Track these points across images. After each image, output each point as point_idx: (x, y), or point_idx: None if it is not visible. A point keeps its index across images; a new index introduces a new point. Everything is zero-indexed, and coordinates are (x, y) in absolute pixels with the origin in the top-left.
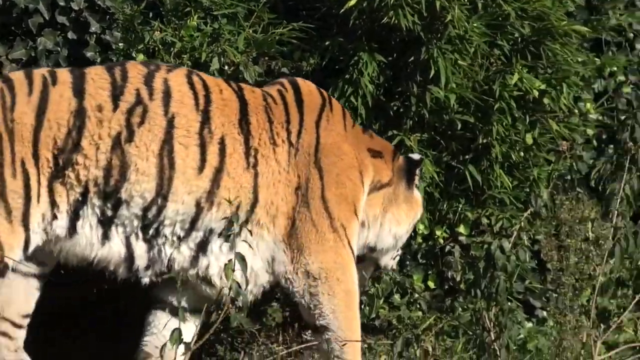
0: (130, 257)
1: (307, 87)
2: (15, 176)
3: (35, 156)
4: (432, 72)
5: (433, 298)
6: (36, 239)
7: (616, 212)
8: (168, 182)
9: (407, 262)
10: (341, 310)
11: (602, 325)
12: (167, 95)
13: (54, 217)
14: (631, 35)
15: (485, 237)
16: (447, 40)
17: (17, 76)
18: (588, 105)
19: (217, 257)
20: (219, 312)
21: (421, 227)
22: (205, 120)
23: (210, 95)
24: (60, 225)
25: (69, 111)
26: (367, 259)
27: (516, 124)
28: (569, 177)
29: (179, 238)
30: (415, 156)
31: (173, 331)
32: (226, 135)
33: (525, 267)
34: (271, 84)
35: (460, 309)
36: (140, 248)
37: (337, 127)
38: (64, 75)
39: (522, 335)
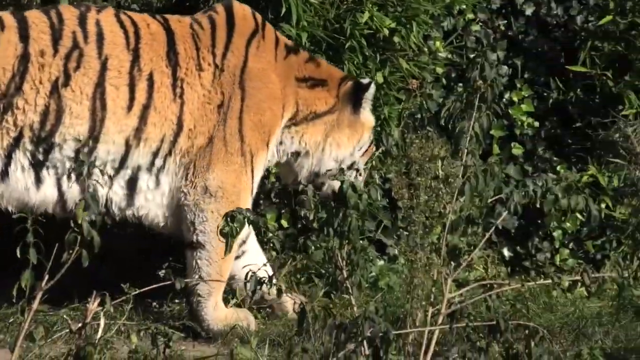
0: (62, 198)
1: (242, 11)
2: None
3: None
4: (284, 10)
5: (286, 237)
6: None
7: (466, 150)
8: (100, 124)
9: (261, 202)
10: None
11: (452, 262)
12: (100, 37)
13: None
14: None
15: (338, 175)
16: None
17: None
18: (437, 43)
19: (145, 196)
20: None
21: (274, 167)
22: (135, 58)
23: (139, 32)
24: None
25: (15, 56)
26: (316, 184)
27: (367, 63)
28: (419, 116)
29: (110, 177)
30: (364, 80)
31: None
32: (154, 70)
33: (377, 206)
34: (204, 11)
35: (313, 247)
36: (73, 190)
37: (267, 55)
38: (9, 19)
39: (374, 273)
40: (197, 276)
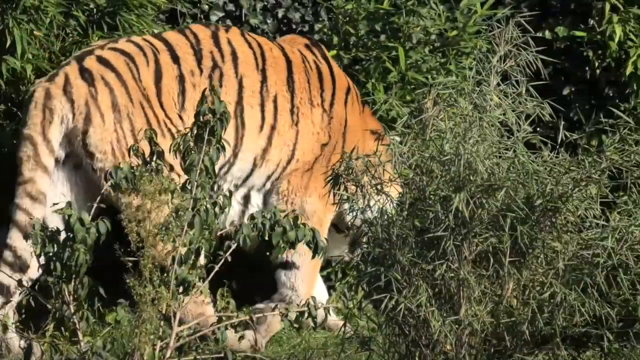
0: None
1: (337, 68)
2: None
3: (168, 118)
4: (8, 42)
5: None
6: None
7: (195, 183)
8: (240, 142)
9: None
10: (308, 254)
11: (182, 295)
12: (234, 56)
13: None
14: (206, 7)
15: (65, 209)
16: (22, 10)
17: (130, 47)
18: None
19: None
20: None
21: None
22: (264, 79)
23: (265, 54)
24: None
25: (174, 77)
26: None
27: None
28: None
29: (230, 194)
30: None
31: None
32: (278, 93)
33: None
34: (306, 46)
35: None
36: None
37: (356, 111)
38: (156, 41)
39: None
40: (290, 292)
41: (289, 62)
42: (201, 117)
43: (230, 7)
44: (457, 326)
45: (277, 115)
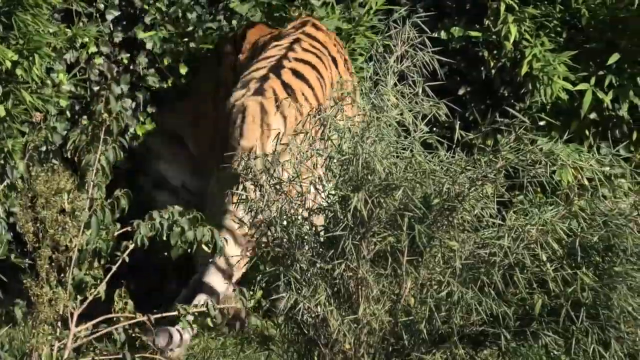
0: None
1: None
2: None
3: None
4: None
5: None
6: None
7: (92, 183)
8: None
9: None
10: None
11: (78, 297)
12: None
13: None
14: (102, 6)
15: None
16: None
17: (312, 58)
18: (61, 76)
19: None
20: None
21: None
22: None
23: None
24: None
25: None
26: None
27: None
28: (44, 149)
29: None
30: None
31: None
32: None
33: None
34: None
35: None
36: None
37: None
38: (320, 46)
39: None
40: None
41: None
42: (97, 117)
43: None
44: (355, 325)
45: None
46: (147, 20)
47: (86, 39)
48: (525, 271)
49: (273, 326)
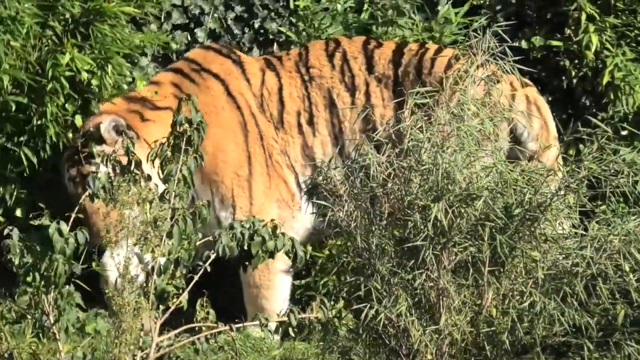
0: None
1: None
2: None
3: None
4: None
5: None
6: None
7: (174, 192)
8: None
9: None
10: None
11: (160, 306)
12: None
13: None
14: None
15: (43, 220)
16: None
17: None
18: (138, 83)
19: None
20: None
21: None
22: None
23: None
24: None
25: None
26: None
27: (66, 105)
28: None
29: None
30: None
31: None
32: None
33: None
34: None
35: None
36: None
37: None
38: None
39: (81, 318)
40: None
41: None
42: (178, 127)
43: (206, 17)
44: (437, 336)
45: None
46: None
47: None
48: (607, 281)
49: (354, 336)
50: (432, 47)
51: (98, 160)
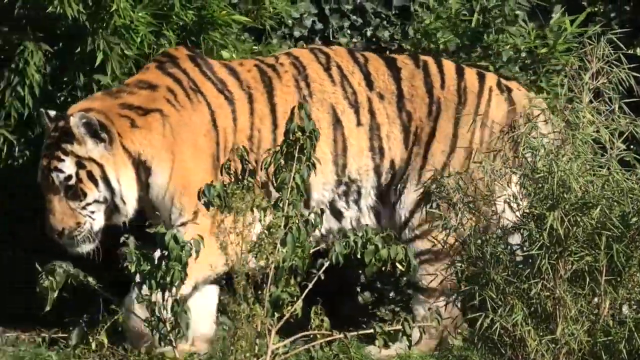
0: None
1: None
2: None
3: None
4: (98, 62)
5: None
6: None
7: (287, 201)
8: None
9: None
10: None
11: (275, 314)
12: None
13: None
14: (290, 22)
15: (159, 227)
16: (113, 30)
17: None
18: None
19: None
20: None
21: None
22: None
23: None
24: None
25: None
26: None
27: None
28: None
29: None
30: None
31: None
32: None
33: None
34: None
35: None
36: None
37: None
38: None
39: None
40: None
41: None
42: (291, 135)
43: (319, 25)
44: (554, 345)
45: None
46: (342, 40)
47: None
48: None
49: (470, 346)
50: (427, 58)
51: (63, 156)
